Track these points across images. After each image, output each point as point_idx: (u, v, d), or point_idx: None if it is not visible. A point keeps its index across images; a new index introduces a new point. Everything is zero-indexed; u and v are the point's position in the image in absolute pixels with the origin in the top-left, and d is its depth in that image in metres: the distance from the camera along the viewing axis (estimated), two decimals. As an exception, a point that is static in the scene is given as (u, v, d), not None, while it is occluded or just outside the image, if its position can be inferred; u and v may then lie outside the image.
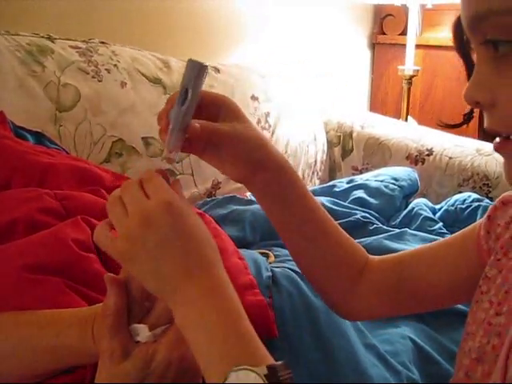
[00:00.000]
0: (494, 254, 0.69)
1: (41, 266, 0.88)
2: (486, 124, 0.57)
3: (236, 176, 0.79)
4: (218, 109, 0.75)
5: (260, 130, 2.02)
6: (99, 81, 1.66)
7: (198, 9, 2.21)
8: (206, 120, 0.73)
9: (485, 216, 0.75)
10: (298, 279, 1.14)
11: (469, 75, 0.59)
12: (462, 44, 0.61)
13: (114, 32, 1.97)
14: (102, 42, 1.78)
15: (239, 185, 1.90)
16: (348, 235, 0.87)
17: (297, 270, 1.19)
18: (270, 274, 1.14)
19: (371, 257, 0.87)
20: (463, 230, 0.81)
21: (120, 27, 2.02)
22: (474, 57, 0.59)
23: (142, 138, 1.70)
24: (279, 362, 0.55)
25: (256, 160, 0.77)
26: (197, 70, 0.66)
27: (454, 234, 0.82)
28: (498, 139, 0.57)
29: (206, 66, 0.67)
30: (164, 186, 0.64)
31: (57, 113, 1.55)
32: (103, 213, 1.11)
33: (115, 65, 1.72)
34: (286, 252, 1.33)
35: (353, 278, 0.84)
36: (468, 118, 0.68)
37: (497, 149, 0.57)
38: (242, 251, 1.19)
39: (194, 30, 2.21)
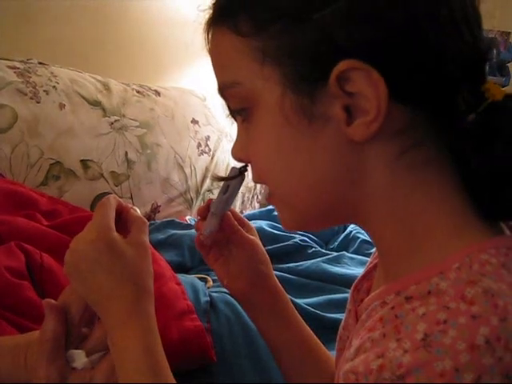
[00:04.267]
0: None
1: None
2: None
3: (237, 289, 0.86)
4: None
5: (200, 153, 2.02)
6: (37, 102, 1.63)
7: (139, 32, 2.21)
8: None
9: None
10: (236, 303, 1.15)
11: None
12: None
13: (52, 52, 1.95)
14: (41, 63, 1.76)
15: (178, 208, 1.93)
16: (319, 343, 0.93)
17: (234, 294, 1.19)
18: (207, 298, 1.14)
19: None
20: None
21: (59, 48, 2.00)
22: None
23: (81, 160, 1.68)
24: None
25: (259, 274, 0.86)
26: (234, 173, 0.81)
27: None
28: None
29: (243, 170, 0.79)
30: (106, 210, 0.73)
31: (-8, 134, 1.52)
32: (38, 237, 1.10)
33: (54, 86, 1.70)
34: (225, 276, 1.34)
35: None
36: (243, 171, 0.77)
37: (267, 201, 0.66)
38: (180, 276, 1.19)
39: (135, 52, 2.21)
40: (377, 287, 0.63)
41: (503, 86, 4.41)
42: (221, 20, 0.61)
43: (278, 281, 0.88)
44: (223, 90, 0.62)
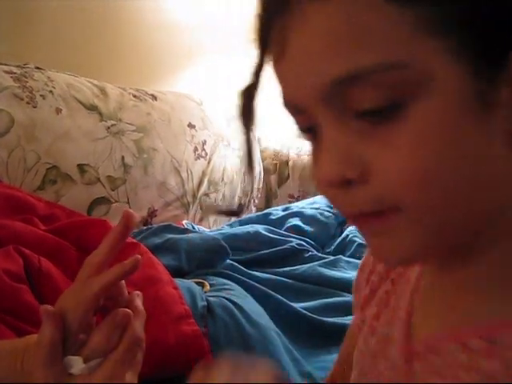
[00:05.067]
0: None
1: None
2: (345, 207, 0.47)
3: None
4: None
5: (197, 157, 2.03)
6: (34, 107, 1.63)
7: (136, 36, 2.21)
8: None
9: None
10: (234, 308, 1.15)
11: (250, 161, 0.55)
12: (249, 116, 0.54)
13: (49, 57, 1.96)
14: (38, 68, 1.76)
15: (175, 213, 1.93)
16: None
17: (232, 299, 1.19)
18: (205, 303, 1.14)
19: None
20: None
21: (56, 52, 2.01)
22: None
23: (78, 165, 1.68)
24: None
25: None
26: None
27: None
28: (354, 218, 0.48)
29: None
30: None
31: (-11, 139, 1.52)
32: (35, 242, 1.10)
33: (51, 91, 1.70)
34: (222, 281, 1.34)
35: None
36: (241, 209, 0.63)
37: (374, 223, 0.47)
38: (177, 281, 1.19)
39: (132, 56, 2.21)
40: (426, 316, 0.54)
41: None
42: None
43: None
44: (357, 79, 0.42)
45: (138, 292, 0.74)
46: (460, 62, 0.41)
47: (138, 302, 0.73)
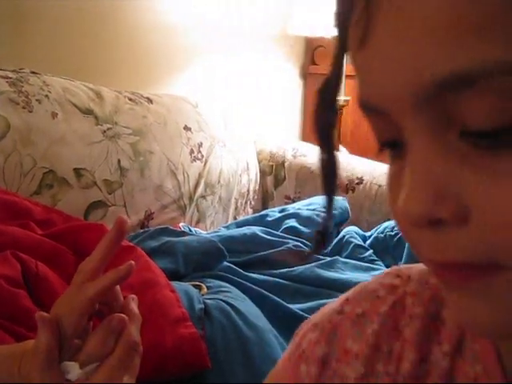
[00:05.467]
0: None
1: None
2: (432, 253, 0.35)
3: None
4: None
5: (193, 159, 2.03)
6: (30, 111, 1.64)
7: (130, 39, 2.22)
8: None
9: None
10: (231, 311, 1.16)
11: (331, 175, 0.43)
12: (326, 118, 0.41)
13: (44, 61, 1.96)
14: (33, 72, 1.77)
15: (172, 215, 1.94)
16: None
17: (229, 301, 1.20)
18: (202, 306, 1.15)
19: None
20: None
21: (51, 57, 2.01)
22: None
23: (74, 169, 1.68)
24: None
25: None
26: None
27: None
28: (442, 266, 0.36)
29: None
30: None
31: (-15, 144, 1.53)
32: (33, 246, 1.10)
33: (46, 95, 1.70)
34: (219, 283, 1.35)
35: None
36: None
37: (462, 283, 0.35)
38: (174, 283, 1.20)
39: (127, 58, 2.22)
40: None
41: None
42: None
43: None
44: (474, 83, 0.30)
45: (133, 296, 0.74)
46: None
47: (133, 305, 0.74)
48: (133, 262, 0.69)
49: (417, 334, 0.47)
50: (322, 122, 0.40)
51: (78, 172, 1.69)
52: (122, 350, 0.69)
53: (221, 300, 1.19)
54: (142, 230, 1.71)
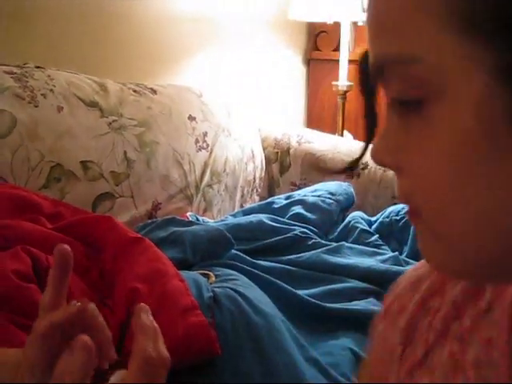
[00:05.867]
0: None
1: None
2: (398, 196, 0.46)
3: None
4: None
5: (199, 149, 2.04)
6: (35, 106, 1.65)
7: (134, 30, 2.23)
8: None
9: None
10: (239, 298, 1.17)
11: (369, 126, 0.50)
12: (367, 84, 0.49)
13: (48, 55, 1.97)
14: (38, 67, 1.78)
15: (179, 205, 1.96)
16: None
17: (237, 289, 1.22)
18: (211, 294, 1.17)
19: None
20: None
21: (55, 50, 2.02)
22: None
23: (81, 162, 1.70)
24: None
25: None
26: None
27: None
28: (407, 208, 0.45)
29: None
30: None
31: (-8, 140, 1.55)
32: (43, 240, 1.12)
33: (51, 89, 1.72)
34: (227, 271, 1.37)
35: None
36: (352, 167, 0.57)
37: (408, 219, 0.46)
38: (183, 273, 1.22)
39: (130, 51, 2.22)
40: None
41: None
42: None
43: None
44: (390, 68, 0.41)
45: (142, 306, 0.71)
46: (491, 73, 0.37)
47: (145, 318, 0.69)
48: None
49: (457, 295, 0.52)
50: (365, 76, 0.48)
51: (84, 165, 1.71)
52: (137, 368, 0.63)
53: (229, 288, 1.21)
54: (149, 221, 1.73)
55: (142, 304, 0.67)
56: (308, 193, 1.99)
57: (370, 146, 0.47)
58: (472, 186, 0.39)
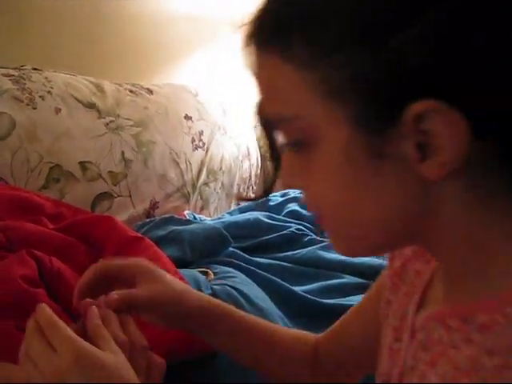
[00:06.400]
0: (391, 278, 0.71)
1: None
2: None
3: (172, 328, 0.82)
4: (132, 275, 0.80)
5: (180, 283, 2.06)
6: (34, 108, 1.67)
7: (128, 31, 2.24)
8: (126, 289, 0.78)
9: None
10: (238, 295, 1.20)
11: (274, 159, 0.62)
12: (266, 128, 0.60)
13: (43, 57, 1.99)
14: (35, 69, 1.80)
15: (177, 203, 1.98)
16: (288, 330, 0.94)
17: (236, 286, 1.24)
18: (210, 291, 1.20)
19: (319, 336, 0.91)
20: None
21: (50, 52, 2.04)
22: None
23: (79, 162, 1.72)
24: None
25: (178, 314, 0.81)
26: None
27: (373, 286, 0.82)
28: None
29: None
30: (67, 334, 0.64)
31: (-8, 142, 1.57)
32: (45, 241, 1.14)
33: (49, 91, 1.74)
34: (225, 269, 1.39)
35: (308, 366, 0.88)
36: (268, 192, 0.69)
37: (316, 222, 0.61)
38: (183, 271, 1.24)
39: (126, 52, 2.24)
40: (434, 301, 0.61)
41: None
42: (270, 44, 0.53)
43: (207, 303, 0.85)
44: (277, 122, 0.55)
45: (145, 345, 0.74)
46: (348, 120, 0.50)
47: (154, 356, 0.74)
48: None
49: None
50: (264, 121, 0.60)
51: (83, 165, 1.73)
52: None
53: (227, 285, 1.24)
54: (148, 220, 1.75)
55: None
56: (303, 190, 2.01)
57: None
58: (364, 201, 0.53)
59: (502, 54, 0.45)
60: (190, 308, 0.81)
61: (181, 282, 0.85)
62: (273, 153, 0.61)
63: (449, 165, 0.48)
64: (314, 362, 0.88)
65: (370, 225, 0.55)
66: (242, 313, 0.89)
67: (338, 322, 0.88)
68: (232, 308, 0.87)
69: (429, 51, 0.45)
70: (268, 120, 0.57)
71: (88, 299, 0.74)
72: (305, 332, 0.93)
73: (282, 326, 0.93)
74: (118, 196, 1.80)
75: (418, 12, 0.45)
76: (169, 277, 0.82)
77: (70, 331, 0.64)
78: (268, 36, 0.53)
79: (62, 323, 0.64)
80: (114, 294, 0.74)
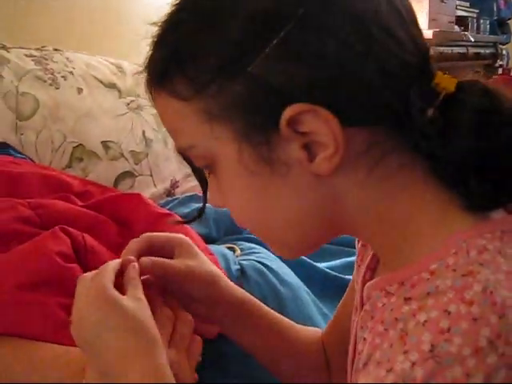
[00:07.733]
0: (356, 261, 0.78)
1: (33, 284, 0.90)
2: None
3: (197, 313, 0.80)
4: (172, 248, 0.81)
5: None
6: (56, 88, 1.69)
7: (149, 12, 2.24)
8: None
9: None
10: (265, 270, 1.21)
11: (200, 182, 0.70)
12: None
13: (63, 37, 2.00)
14: (56, 49, 1.81)
15: (196, 183, 1.98)
16: (301, 331, 0.93)
17: (263, 261, 1.26)
18: (238, 267, 1.21)
19: (323, 333, 0.93)
20: None
21: (68, 33, 2.05)
22: None
23: (102, 142, 1.74)
24: None
25: (208, 296, 0.81)
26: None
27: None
28: None
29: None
30: (104, 272, 0.69)
31: (17, 122, 1.58)
32: (76, 218, 1.15)
33: (71, 72, 1.75)
34: (250, 245, 1.41)
35: (322, 364, 0.90)
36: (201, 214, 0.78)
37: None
38: (211, 247, 1.25)
39: (145, 33, 2.24)
40: (379, 273, 0.67)
41: (503, 44, 4.43)
42: (158, 85, 0.61)
43: (240, 293, 0.86)
44: (182, 152, 0.64)
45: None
46: (235, 138, 0.57)
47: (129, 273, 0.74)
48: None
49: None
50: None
51: (105, 145, 1.74)
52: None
53: (255, 260, 1.25)
54: (170, 198, 1.76)
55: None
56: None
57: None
58: (272, 207, 0.60)
59: (343, 52, 0.53)
60: (220, 293, 0.82)
61: (215, 267, 0.85)
62: (197, 177, 0.69)
63: (335, 157, 0.55)
64: (327, 365, 0.90)
65: (286, 226, 0.62)
66: (267, 308, 0.89)
67: (335, 312, 0.92)
68: (263, 306, 0.89)
69: (283, 67, 0.54)
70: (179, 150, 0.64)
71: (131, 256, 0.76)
72: (316, 330, 0.95)
73: (296, 325, 0.92)
74: (140, 175, 1.82)
75: (266, 38, 0.53)
76: (205, 257, 0.83)
77: (104, 279, 0.68)
78: (156, 78, 0.61)
79: (108, 267, 0.71)
80: (148, 258, 0.76)
